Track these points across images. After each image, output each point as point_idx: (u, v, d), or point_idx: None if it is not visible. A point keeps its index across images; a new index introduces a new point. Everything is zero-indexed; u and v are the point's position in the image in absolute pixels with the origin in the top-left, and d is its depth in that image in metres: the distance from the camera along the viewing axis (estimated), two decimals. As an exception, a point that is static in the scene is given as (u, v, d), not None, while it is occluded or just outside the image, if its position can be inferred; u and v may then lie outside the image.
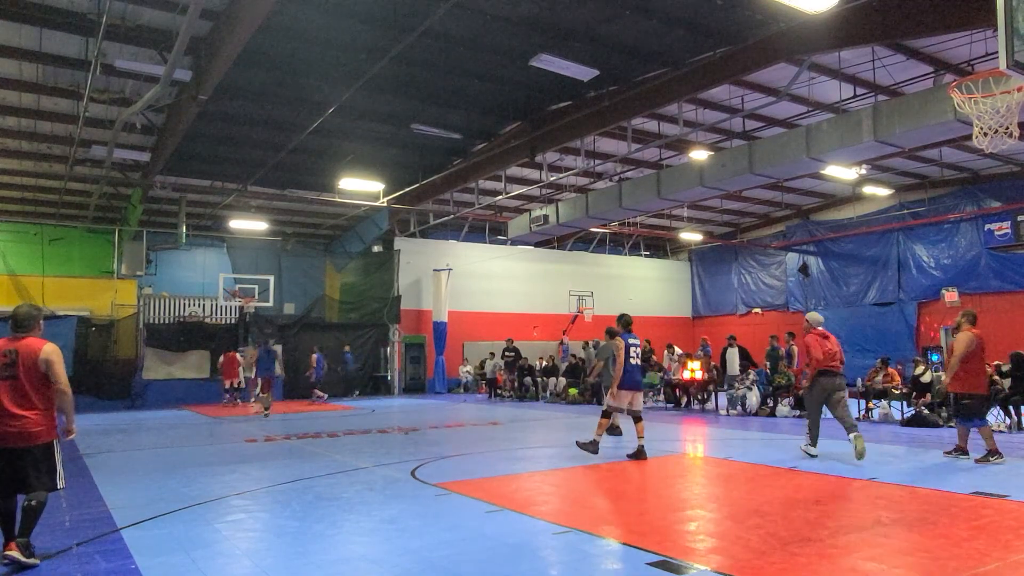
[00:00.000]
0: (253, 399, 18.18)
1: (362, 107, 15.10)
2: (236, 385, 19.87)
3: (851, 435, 8.51)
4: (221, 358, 20.10)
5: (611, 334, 12.07)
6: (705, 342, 20.17)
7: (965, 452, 8.66)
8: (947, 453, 8.85)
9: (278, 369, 17.95)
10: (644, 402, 17.87)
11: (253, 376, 18.88)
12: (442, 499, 6.90)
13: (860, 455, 8.31)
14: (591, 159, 18.71)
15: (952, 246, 22.58)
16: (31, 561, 4.88)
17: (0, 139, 16.09)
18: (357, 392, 23.01)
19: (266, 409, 16.72)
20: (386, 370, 24.53)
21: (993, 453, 8.35)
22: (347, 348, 23.15)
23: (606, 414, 9.36)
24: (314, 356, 20.57)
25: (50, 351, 5.18)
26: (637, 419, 9.31)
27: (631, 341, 9.39)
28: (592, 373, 13.88)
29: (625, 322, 9.63)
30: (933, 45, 12.90)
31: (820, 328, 9.59)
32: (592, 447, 9.14)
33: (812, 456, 8.96)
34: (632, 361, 9.29)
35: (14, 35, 11.56)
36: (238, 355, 20.17)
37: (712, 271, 31.19)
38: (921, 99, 12.09)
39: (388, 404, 20.11)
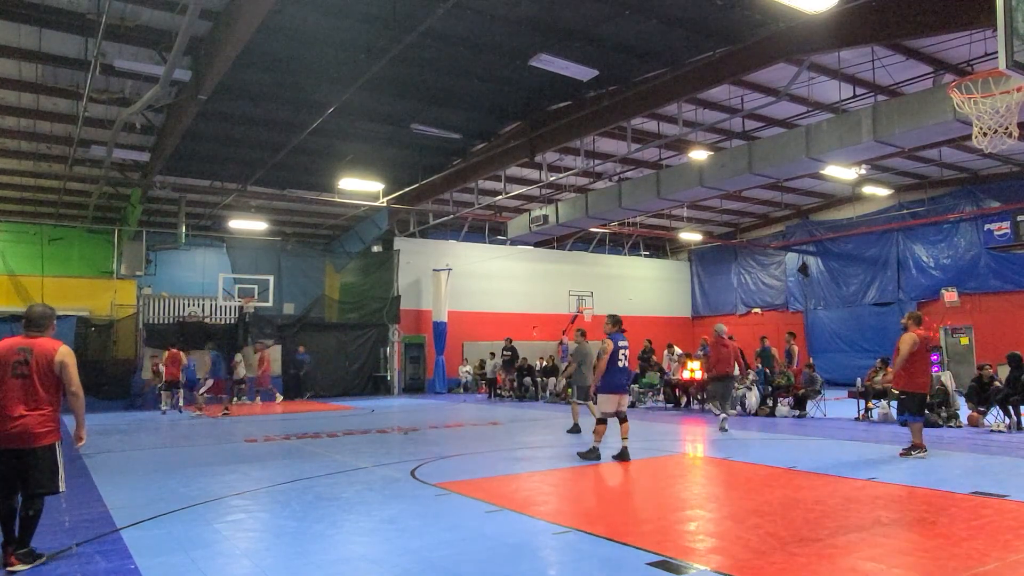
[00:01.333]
0: (195, 402, 17.14)
1: (362, 107, 15.09)
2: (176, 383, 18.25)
3: (721, 416, 11.90)
4: (165, 354, 18.24)
5: (583, 334, 12.28)
6: (705, 342, 20.13)
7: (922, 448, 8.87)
8: (903, 453, 8.93)
9: (240, 371, 18.47)
10: (644, 402, 18.15)
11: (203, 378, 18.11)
12: (442, 499, 6.90)
13: (723, 431, 11.64)
14: (591, 159, 18.70)
15: (952, 246, 22.58)
16: (37, 564, 4.90)
17: (0, 139, 16.09)
18: (309, 394, 22.18)
19: (225, 410, 16.89)
20: (386, 370, 24.53)
21: (917, 448, 8.75)
22: (302, 348, 22.31)
23: (602, 422, 9.20)
24: (185, 358, 18.52)
25: (65, 353, 5.15)
26: (623, 419, 9.15)
27: (621, 343, 9.07)
28: (564, 372, 13.94)
29: (615, 321, 9.35)
30: (933, 45, 12.90)
31: (723, 337, 12.33)
32: (593, 454, 9.04)
33: (725, 430, 11.68)
34: (621, 364, 9.01)
35: (14, 35, 11.56)
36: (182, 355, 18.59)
37: (712, 271, 31.19)
38: (921, 99, 12.09)
39: (388, 404, 20.11)
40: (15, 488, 4.99)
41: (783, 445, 10.44)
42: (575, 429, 12.03)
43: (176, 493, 7.36)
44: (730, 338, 13.13)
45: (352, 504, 6.72)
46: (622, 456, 8.91)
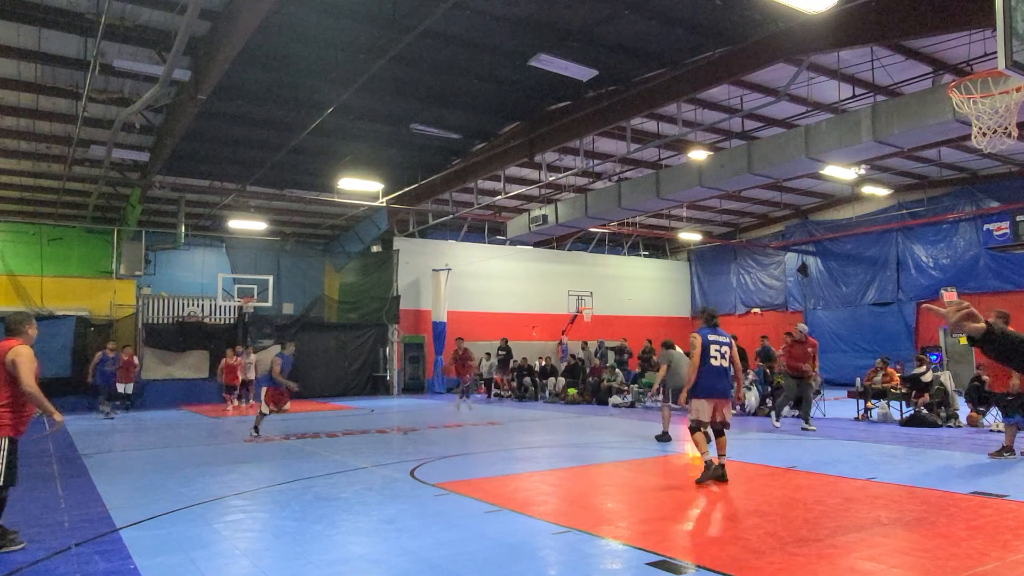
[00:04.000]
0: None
1: (361, 107, 15.09)
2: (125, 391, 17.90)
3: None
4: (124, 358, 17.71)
5: (667, 346, 11.75)
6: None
7: (1012, 451, 8.72)
8: (993, 454, 8.75)
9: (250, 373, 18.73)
10: (643, 402, 18.13)
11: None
12: (441, 499, 6.90)
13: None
14: (590, 159, 18.69)
15: (951, 246, 22.58)
16: (17, 548, 5.22)
17: (-1, 139, 16.10)
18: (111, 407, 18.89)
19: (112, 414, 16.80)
20: (385, 370, 24.52)
21: (1008, 450, 8.67)
22: (234, 353, 19.62)
23: (694, 430, 7.78)
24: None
25: (17, 352, 5.40)
26: (719, 432, 7.80)
27: (712, 338, 7.79)
28: (657, 380, 13.27)
29: (708, 316, 8.18)
30: (932, 45, 12.90)
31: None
32: (708, 471, 7.49)
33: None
34: (714, 363, 7.71)
35: (13, 35, 11.54)
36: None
37: (711, 271, 31.19)
38: (920, 99, 12.09)
39: (387, 404, 20.10)
40: None
41: (783, 445, 10.44)
42: (664, 438, 11.14)
43: (175, 493, 7.36)
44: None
45: (351, 504, 6.72)
46: (717, 475, 7.48)
